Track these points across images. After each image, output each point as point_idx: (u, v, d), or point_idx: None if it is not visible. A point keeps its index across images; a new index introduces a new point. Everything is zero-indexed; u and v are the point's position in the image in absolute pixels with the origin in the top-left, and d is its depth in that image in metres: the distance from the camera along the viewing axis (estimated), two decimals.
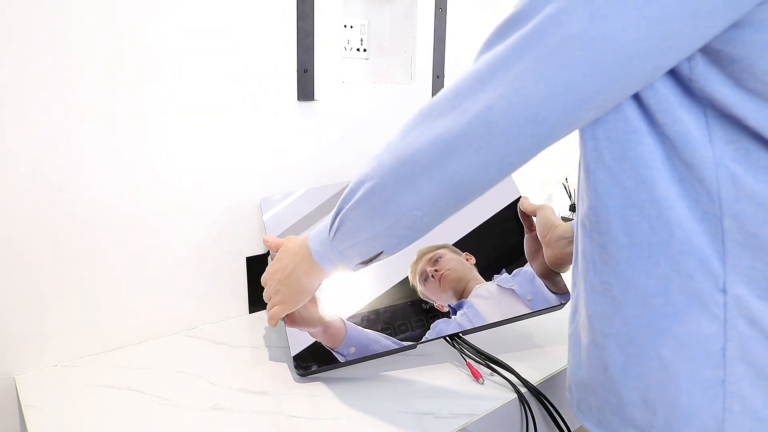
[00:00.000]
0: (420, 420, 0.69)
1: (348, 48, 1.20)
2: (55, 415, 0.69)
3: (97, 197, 0.82)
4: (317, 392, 0.75)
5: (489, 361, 0.81)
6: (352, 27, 1.19)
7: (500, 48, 0.46)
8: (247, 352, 0.87)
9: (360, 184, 0.56)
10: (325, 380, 0.78)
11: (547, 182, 1.63)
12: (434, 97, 0.51)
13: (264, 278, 0.76)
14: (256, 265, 1.02)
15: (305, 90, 1.01)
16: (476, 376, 0.77)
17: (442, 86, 1.26)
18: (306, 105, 1.03)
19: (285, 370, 0.81)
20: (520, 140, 0.47)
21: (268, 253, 1.03)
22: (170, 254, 0.91)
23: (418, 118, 0.52)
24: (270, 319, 0.74)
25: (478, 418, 0.70)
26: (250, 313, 1.03)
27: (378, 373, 0.80)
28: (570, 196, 1.59)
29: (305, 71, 1.01)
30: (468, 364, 0.80)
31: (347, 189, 0.59)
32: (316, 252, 0.66)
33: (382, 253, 0.60)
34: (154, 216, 0.88)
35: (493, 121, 0.46)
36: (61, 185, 0.78)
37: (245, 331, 0.96)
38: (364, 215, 0.57)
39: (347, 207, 0.58)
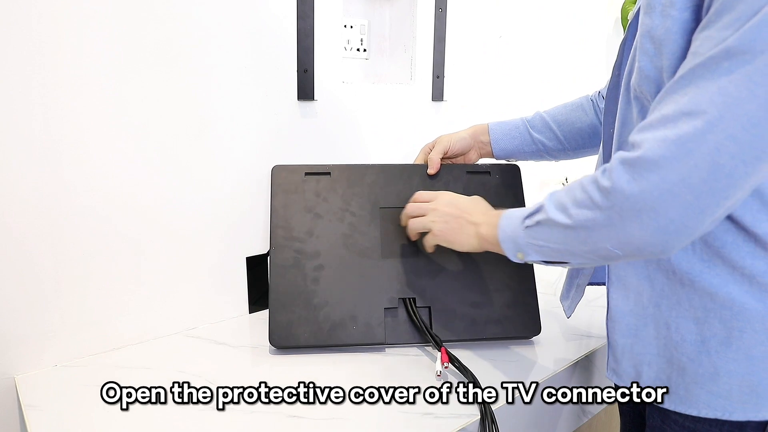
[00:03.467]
0: (420, 420, 0.69)
1: (348, 48, 1.20)
2: (55, 415, 0.69)
3: (97, 197, 0.82)
4: (317, 392, 0.75)
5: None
6: (352, 27, 1.19)
7: (721, 85, 0.46)
8: (247, 352, 0.87)
9: (568, 208, 0.58)
10: (325, 379, 0.78)
11: (546, 182, 1.63)
12: (641, 136, 0.52)
13: (426, 198, 0.82)
14: (256, 265, 1.02)
15: (305, 90, 1.01)
16: (444, 359, 0.77)
17: (442, 86, 1.26)
18: (306, 105, 1.03)
19: (285, 370, 0.81)
20: (740, 180, 0.48)
21: (268, 253, 1.03)
22: (170, 254, 0.91)
23: (639, 164, 0.51)
24: (427, 246, 0.83)
25: (478, 417, 0.70)
26: (250, 313, 1.03)
27: (378, 373, 0.80)
28: None
29: (305, 71, 1.01)
30: (443, 350, 0.79)
31: (562, 197, 0.60)
32: (502, 227, 0.68)
33: (566, 264, 0.63)
34: (154, 216, 0.88)
35: (719, 163, 0.47)
36: (60, 185, 0.78)
37: (245, 331, 0.96)
38: (563, 238, 0.60)
39: (554, 217, 0.60)
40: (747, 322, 0.57)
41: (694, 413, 0.61)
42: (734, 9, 0.46)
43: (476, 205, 0.77)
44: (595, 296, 0.80)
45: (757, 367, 0.57)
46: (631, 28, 0.64)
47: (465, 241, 0.75)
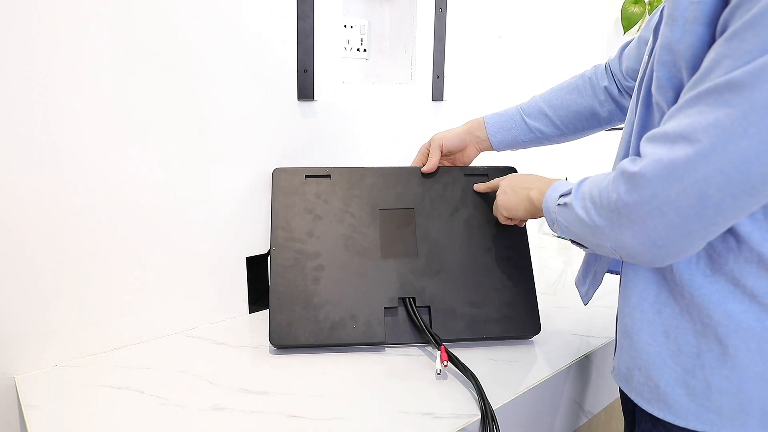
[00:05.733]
0: (420, 420, 0.69)
1: (348, 48, 1.20)
2: (55, 415, 0.69)
3: (97, 197, 0.82)
4: (317, 392, 0.75)
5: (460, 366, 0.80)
6: (352, 27, 1.19)
7: (718, 116, 0.47)
8: (247, 352, 0.87)
9: (585, 200, 0.62)
10: (325, 379, 0.78)
11: None
12: (646, 148, 0.54)
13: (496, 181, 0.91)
14: (256, 265, 1.02)
15: (305, 90, 1.01)
16: (443, 358, 0.78)
17: (442, 86, 1.26)
18: (306, 105, 1.03)
19: (285, 370, 0.81)
20: (729, 211, 0.50)
21: (268, 253, 1.03)
22: (170, 254, 0.91)
23: (635, 179, 0.54)
24: (499, 216, 0.90)
25: (478, 417, 0.70)
26: (250, 313, 1.03)
27: (378, 372, 0.80)
28: None
29: (305, 71, 1.01)
30: (442, 348, 0.80)
31: (586, 189, 0.62)
32: (546, 197, 0.72)
33: (585, 248, 0.68)
34: (154, 216, 0.88)
35: (708, 194, 0.49)
36: (60, 185, 0.78)
37: (245, 331, 0.96)
38: (579, 226, 0.63)
39: (574, 206, 0.63)
40: (743, 341, 0.57)
41: (682, 424, 0.61)
42: (747, 40, 0.46)
43: (537, 177, 0.82)
44: (595, 296, 0.80)
45: (749, 386, 0.57)
46: (654, 33, 0.63)
47: (519, 205, 0.82)
